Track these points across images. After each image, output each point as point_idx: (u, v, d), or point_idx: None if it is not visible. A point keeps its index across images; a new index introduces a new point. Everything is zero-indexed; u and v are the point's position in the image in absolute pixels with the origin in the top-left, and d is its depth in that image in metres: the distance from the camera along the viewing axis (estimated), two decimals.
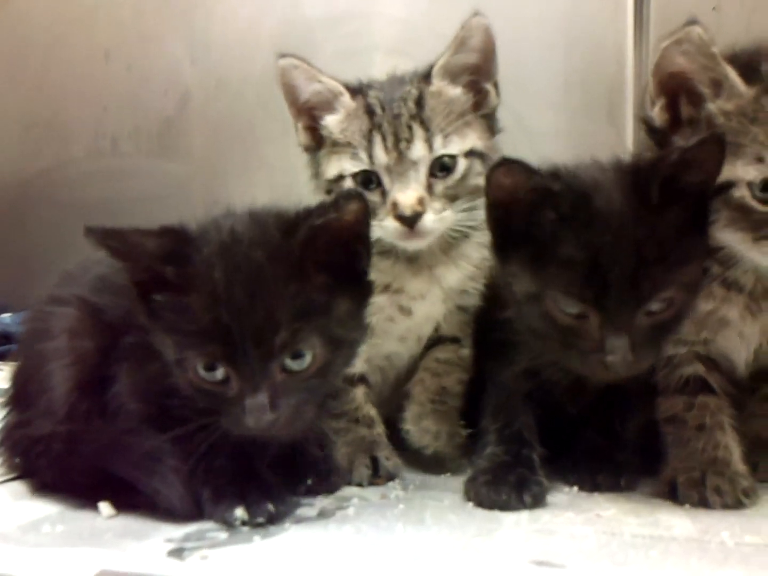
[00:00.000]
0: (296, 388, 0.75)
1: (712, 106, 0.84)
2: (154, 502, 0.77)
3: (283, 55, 1.00)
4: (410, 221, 0.92)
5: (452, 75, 0.99)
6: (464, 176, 0.96)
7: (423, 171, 0.94)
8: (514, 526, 0.77)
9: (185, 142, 2.46)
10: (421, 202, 0.93)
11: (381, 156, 0.94)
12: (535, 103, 1.62)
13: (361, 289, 0.82)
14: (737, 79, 0.83)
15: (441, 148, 0.95)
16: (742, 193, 0.81)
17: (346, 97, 1.00)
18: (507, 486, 0.83)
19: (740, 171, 0.80)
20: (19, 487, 0.86)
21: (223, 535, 0.73)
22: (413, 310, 1.00)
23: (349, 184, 0.98)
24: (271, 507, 0.76)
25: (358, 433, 0.96)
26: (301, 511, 0.81)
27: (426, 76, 0.99)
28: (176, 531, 0.73)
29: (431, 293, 1.00)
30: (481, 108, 1.00)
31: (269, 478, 0.81)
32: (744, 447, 0.88)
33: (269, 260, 0.74)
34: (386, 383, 1.05)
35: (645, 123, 0.90)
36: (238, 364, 0.73)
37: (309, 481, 0.87)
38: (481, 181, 0.93)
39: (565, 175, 0.83)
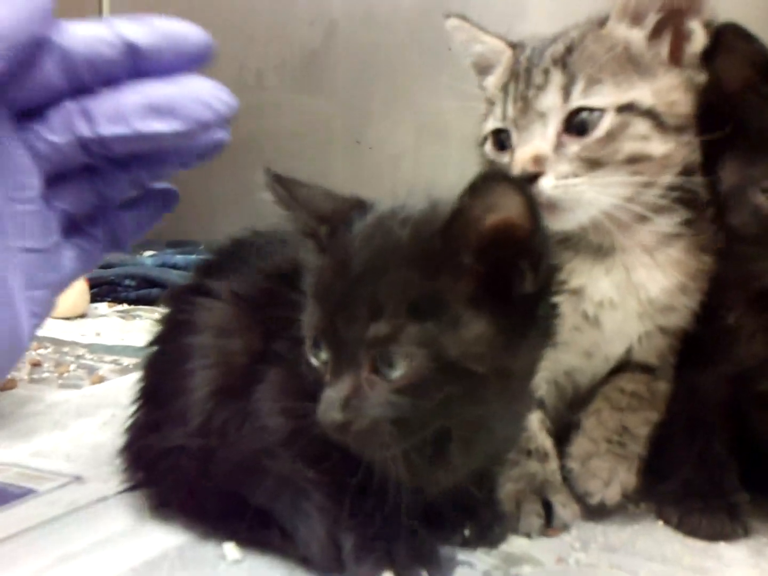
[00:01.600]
0: (381, 399, 0.58)
1: None
2: (287, 543, 0.65)
3: (447, 16, 0.86)
4: None
5: (636, 15, 0.74)
6: (611, 137, 0.71)
7: (553, 124, 0.72)
8: None
9: (330, 77, 2.33)
10: (537, 160, 0.71)
11: (510, 109, 0.75)
12: None
13: (517, 318, 0.60)
14: None
15: (580, 97, 0.72)
16: None
17: (507, 54, 0.81)
18: (723, 513, 0.75)
19: None
20: (137, 501, 0.75)
21: None
22: (601, 320, 0.79)
23: (489, 147, 0.80)
24: (424, 574, 0.62)
25: (527, 469, 0.78)
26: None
27: (603, 21, 0.76)
28: None
29: (625, 303, 0.78)
30: (678, 56, 0.75)
31: (423, 533, 0.66)
32: None
33: (401, 244, 0.59)
34: (558, 406, 0.86)
35: None
36: (334, 343, 0.60)
37: (466, 532, 0.71)
38: (645, 147, 0.72)
39: None
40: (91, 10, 2.55)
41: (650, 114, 0.73)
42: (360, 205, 0.66)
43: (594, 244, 0.78)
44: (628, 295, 0.78)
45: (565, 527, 0.76)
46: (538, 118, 0.73)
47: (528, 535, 0.74)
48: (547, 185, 0.71)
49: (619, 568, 0.69)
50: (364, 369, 0.58)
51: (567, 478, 0.78)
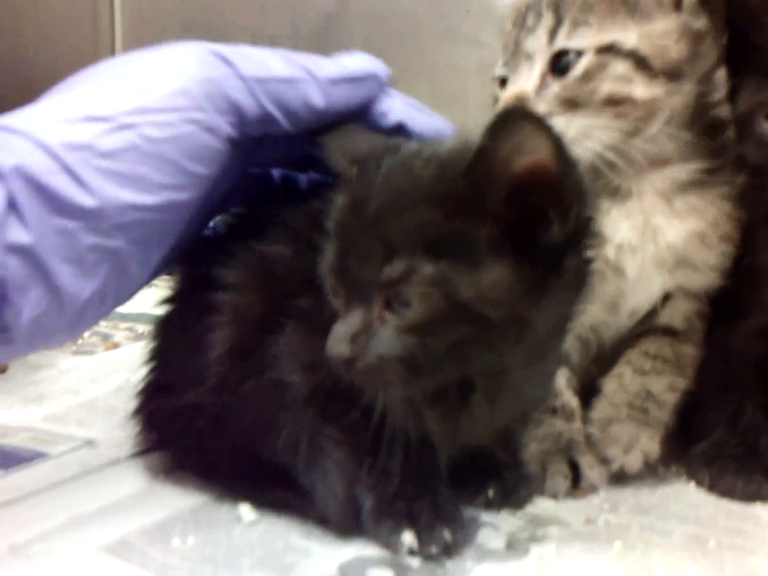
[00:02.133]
0: (390, 337, 0.56)
1: None
2: (304, 503, 0.63)
3: None
4: None
5: None
6: (588, 76, 0.69)
7: (538, 65, 0.70)
8: None
9: (344, 43, 2.26)
10: (518, 100, 0.69)
11: (506, 53, 0.74)
12: None
13: (541, 267, 0.57)
14: None
15: (564, 39, 0.69)
16: None
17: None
18: (759, 474, 0.72)
19: None
20: (150, 464, 0.73)
21: (387, 574, 0.56)
22: (622, 266, 0.75)
23: (497, 92, 0.77)
24: (447, 534, 0.59)
25: (553, 428, 0.75)
26: (483, 538, 0.63)
27: None
28: (328, 563, 0.57)
29: (645, 248, 0.74)
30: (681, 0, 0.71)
31: (445, 492, 0.63)
32: None
33: (422, 183, 0.57)
34: (583, 365, 0.81)
35: None
36: (347, 280, 0.58)
37: (490, 493, 0.69)
38: (624, 89, 0.69)
39: None
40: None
41: (633, 56, 0.70)
42: (396, 148, 0.62)
43: (612, 186, 0.74)
44: (647, 239, 0.74)
45: (593, 489, 0.73)
46: (526, 60, 0.71)
47: (554, 497, 0.72)
48: None
49: (651, 529, 0.65)
50: (376, 306, 0.56)
51: (588, 443, 0.75)
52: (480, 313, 0.55)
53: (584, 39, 0.70)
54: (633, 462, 0.73)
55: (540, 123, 0.53)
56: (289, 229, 0.71)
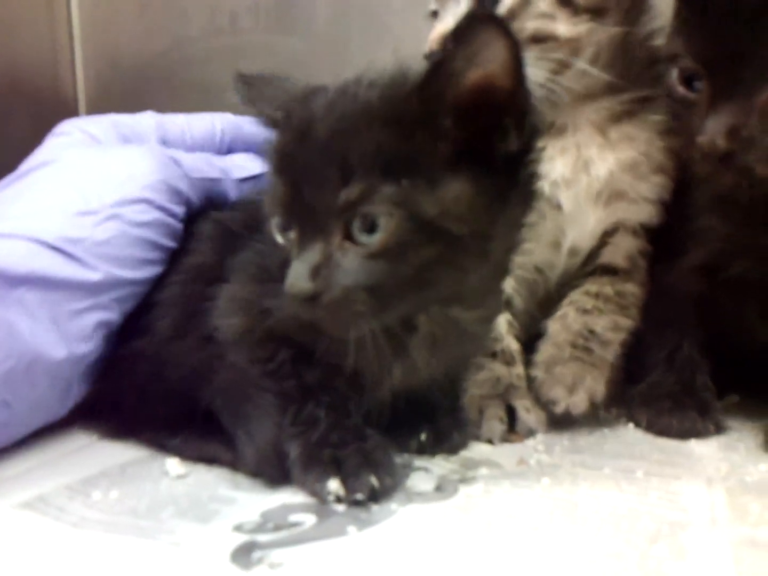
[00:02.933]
0: (355, 266, 0.55)
1: None
2: (232, 455, 0.63)
3: None
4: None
5: None
6: (513, 14, 0.68)
7: (464, 3, 0.69)
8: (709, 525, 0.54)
9: (305, 14, 2.24)
10: (444, 39, 0.67)
11: None
12: None
13: (500, 179, 0.57)
14: None
15: None
16: None
17: None
18: (693, 411, 0.73)
19: None
20: (88, 425, 0.73)
21: (309, 519, 0.56)
22: (559, 201, 0.75)
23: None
24: (373, 480, 0.59)
25: (492, 373, 0.76)
26: (413, 482, 0.63)
27: None
28: (251, 510, 0.57)
29: (580, 183, 0.74)
30: None
31: (374, 438, 0.63)
32: None
33: (371, 105, 0.56)
34: (528, 306, 0.81)
35: None
36: (301, 215, 0.57)
37: (423, 437, 0.69)
38: (547, 26, 0.69)
39: None
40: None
41: None
42: (321, 89, 0.62)
43: (546, 122, 0.73)
44: (580, 172, 0.74)
45: (529, 433, 0.73)
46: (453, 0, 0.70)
47: (490, 441, 0.72)
48: None
49: (582, 466, 0.66)
50: (336, 236, 0.55)
51: (532, 387, 0.75)
52: (445, 229, 0.55)
53: None
54: (578, 402, 0.72)
55: (501, 26, 0.53)
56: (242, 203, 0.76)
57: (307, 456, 0.60)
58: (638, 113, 0.75)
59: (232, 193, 0.77)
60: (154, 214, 0.69)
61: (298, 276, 0.55)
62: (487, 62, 0.53)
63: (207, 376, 0.65)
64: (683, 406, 0.74)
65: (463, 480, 0.63)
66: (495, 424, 0.72)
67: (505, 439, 0.72)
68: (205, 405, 0.64)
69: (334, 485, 0.58)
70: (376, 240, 0.54)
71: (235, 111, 0.85)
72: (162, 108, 2.29)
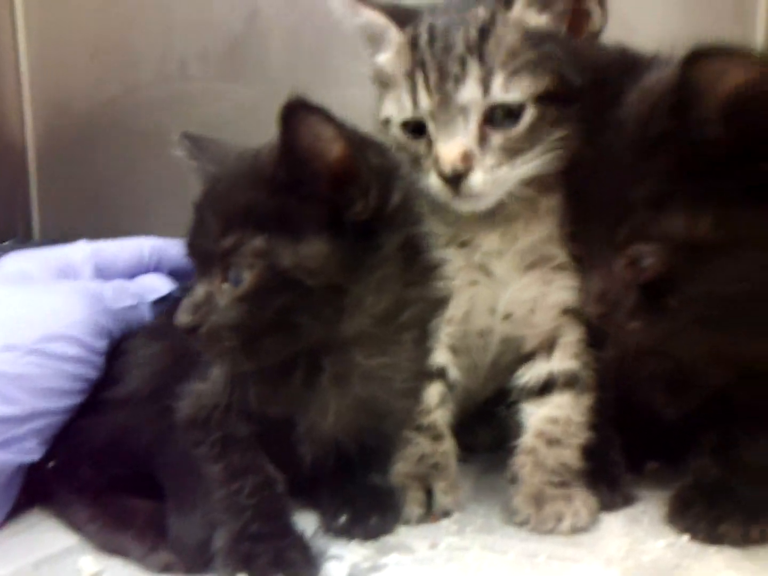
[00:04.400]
0: (227, 307, 0.65)
1: None
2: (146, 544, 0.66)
3: None
4: (453, 180, 0.71)
5: (541, 1, 0.73)
6: (533, 127, 0.71)
7: (474, 118, 0.71)
8: None
9: (255, 63, 2.27)
10: (466, 157, 0.70)
11: (424, 100, 0.73)
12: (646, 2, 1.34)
13: (355, 242, 0.65)
14: None
15: (501, 91, 0.70)
16: None
17: (393, 31, 0.77)
18: (603, 485, 0.76)
19: None
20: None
21: None
22: (490, 269, 0.77)
23: (396, 131, 0.77)
24: None
25: (418, 449, 0.77)
26: (326, 572, 0.65)
27: None
28: None
29: (508, 254, 0.77)
30: (579, 33, 0.75)
31: (292, 532, 0.66)
32: None
33: (248, 168, 0.67)
34: (480, 370, 0.84)
35: None
36: (197, 255, 0.69)
37: (342, 519, 0.71)
38: (560, 131, 0.72)
39: None
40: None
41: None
42: (243, 150, 0.71)
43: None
44: (510, 242, 0.77)
45: (445, 514, 0.75)
46: (459, 113, 0.71)
47: (407, 523, 0.74)
48: (477, 181, 0.71)
49: (491, 549, 0.69)
50: (217, 278, 0.65)
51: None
52: (299, 281, 0.63)
53: (521, 91, 0.71)
54: (566, 527, 0.72)
55: (325, 114, 0.61)
56: None
57: (227, 548, 0.63)
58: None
59: (148, 316, 0.83)
60: (76, 350, 0.73)
61: (183, 309, 0.66)
62: (321, 141, 0.62)
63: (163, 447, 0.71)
64: (594, 480, 0.77)
65: (374, 568, 0.65)
66: (414, 508, 0.74)
67: (422, 521, 0.74)
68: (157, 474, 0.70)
69: None
70: (242, 284, 0.64)
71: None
72: (112, 154, 2.29)
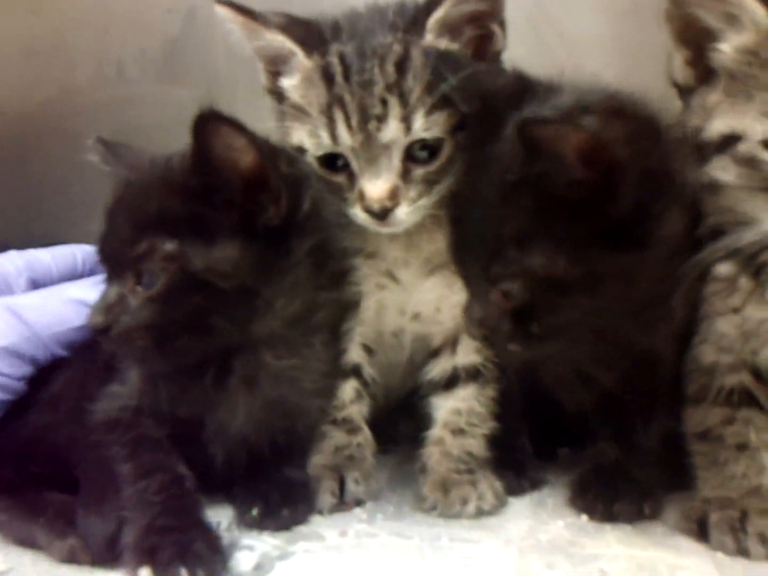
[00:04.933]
0: (139, 307, 0.67)
1: (725, 45, 0.64)
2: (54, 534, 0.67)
3: (217, 2, 0.77)
4: (380, 215, 0.74)
5: (452, 29, 0.75)
6: (450, 159, 0.75)
7: (397, 156, 0.74)
8: None
9: (192, 65, 2.25)
10: (393, 194, 0.73)
11: (345, 137, 0.73)
12: (575, 7, 1.38)
13: (267, 247, 0.68)
14: (759, 8, 0.62)
15: (422, 129, 0.73)
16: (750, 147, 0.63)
17: (300, 57, 0.76)
18: (509, 471, 0.79)
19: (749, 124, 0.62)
20: None
21: None
22: (396, 275, 0.81)
23: (312, 161, 0.77)
24: (184, 573, 0.61)
25: (333, 442, 0.80)
26: (235, 562, 0.67)
27: (415, 22, 0.75)
28: None
29: (413, 262, 0.81)
30: (483, 56, 0.78)
31: (200, 525, 0.67)
32: None
33: (158, 176, 0.69)
34: (396, 367, 0.87)
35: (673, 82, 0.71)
36: (109, 259, 0.70)
37: (254, 512, 0.73)
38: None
39: None
40: None
41: None
42: (153, 157, 0.73)
43: None
44: (415, 252, 0.80)
45: (358, 502, 0.78)
46: (383, 151, 0.73)
47: (321, 513, 0.76)
48: (402, 213, 0.74)
49: (398, 535, 0.71)
50: (129, 281, 0.67)
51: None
52: (211, 283, 0.66)
53: (439, 126, 0.73)
54: (470, 511, 0.75)
55: (236, 125, 0.64)
56: None
57: (133, 543, 0.64)
58: None
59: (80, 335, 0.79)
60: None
61: (96, 310, 0.68)
62: (234, 150, 0.65)
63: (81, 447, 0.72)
64: (503, 467, 0.80)
65: (282, 556, 0.67)
66: (327, 498, 0.76)
67: (335, 510, 0.76)
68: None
69: (144, 574, 0.61)
70: (155, 287, 0.66)
71: None
72: (47, 158, 2.25)
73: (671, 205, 0.65)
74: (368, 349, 0.84)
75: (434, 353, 0.84)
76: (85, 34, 2.26)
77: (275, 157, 0.69)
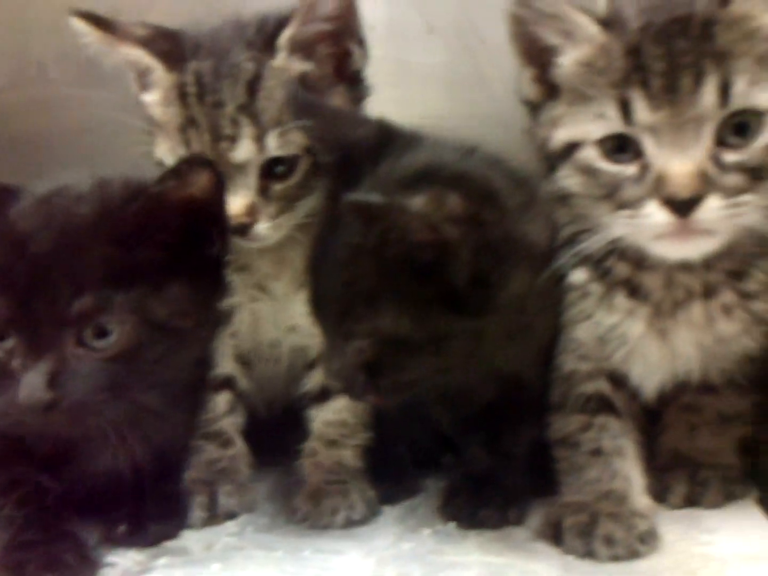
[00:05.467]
0: (94, 370, 0.61)
1: (565, 60, 0.67)
2: None
3: (73, 13, 0.76)
4: (239, 230, 0.74)
5: (305, 47, 0.76)
6: (307, 174, 0.76)
7: (253, 174, 0.75)
8: None
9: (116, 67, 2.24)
10: (250, 211, 0.74)
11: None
12: (497, 14, 1.41)
13: (209, 277, 0.69)
14: (591, 24, 0.65)
15: (276, 148, 0.74)
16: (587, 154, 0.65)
17: (161, 72, 0.77)
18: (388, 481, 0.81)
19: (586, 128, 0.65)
20: None
21: None
22: (270, 288, 0.83)
23: None
24: None
25: (206, 456, 0.81)
26: None
27: (269, 41, 0.76)
28: None
29: (283, 276, 0.82)
30: (343, 74, 0.79)
31: (68, 535, 0.67)
32: (649, 477, 0.74)
33: (91, 220, 0.64)
34: (278, 379, 0.88)
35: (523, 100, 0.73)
36: (26, 327, 0.61)
37: (121, 528, 0.73)
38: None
39: None
40: None
41: None
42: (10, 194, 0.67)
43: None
44: (286, 265, 0.82)
45: (230, 515, 0.78)
46: (238, 170, 0.74)
47: (193, 527, 0.76)
48: (261, 229, 0.75)
49: (264, 547, 0.72)
50: (68, 345, 0.61)
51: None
52: (172, 326, 0.64)
53: (294, 144, 0.75)
54: (340, 521, 0.76)
55: (211, 167, 0.65)
56: None
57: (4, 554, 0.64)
58: None
59: None
60: None
61: (34, 387, 0.60)
62: (194, 186, 0.65)
63: None
64: (378, 476, 0.81)
65: (144, 571, 0.68)
66: (198, 512, 0.77)
67: (206, 524, 0.76)
68: None
69: None
70: (111, 344, 0.62)
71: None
72: None
73: (516, 267, 0.66)
74: (244, 361, 0.84)
75: (311, 365, 0.85)
76: (5, 34, 2.22)
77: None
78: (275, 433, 0.90)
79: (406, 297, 0.63)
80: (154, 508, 0.75)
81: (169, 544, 0.73)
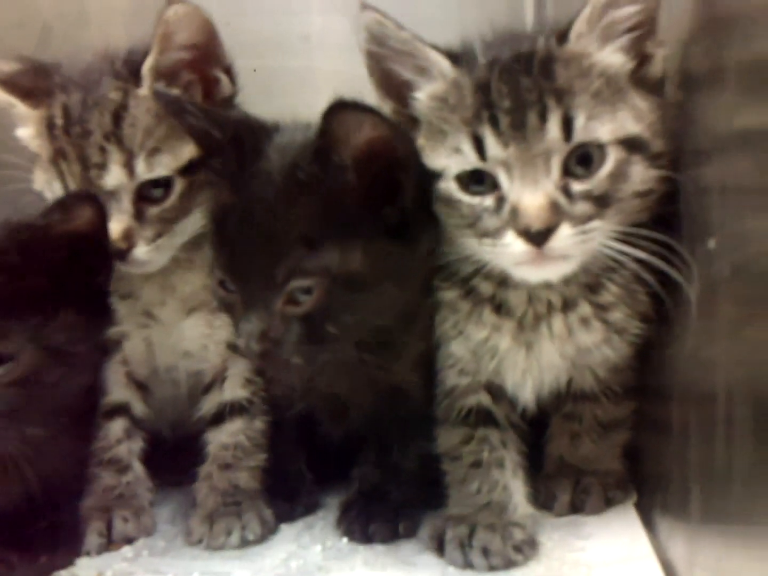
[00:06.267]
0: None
1: (421, 94, 0.70)
2: None
3: None
4: (119, 255, 0.76)
5: (168, 75, 0.78)
6: (183, 195, 0.78)
7: (127, 198, 0.76)
8: None
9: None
10: (127, 235, 0.76)
11: (72, 187, 0.76)
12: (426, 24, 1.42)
13: (96, 305, 0.74)
14: (442, 60, 0.68)
15: (146, 171, 0.76)
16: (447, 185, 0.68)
17: (23, 108, 0.78)
18: (280, 498, 0.83)
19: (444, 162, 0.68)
20: None
21: None
22: (157, 315, 0.84)
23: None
24: None
25: (102, 483, 0.82)
26: None
27: (134, 71, 0.78)
28: None
29: (170, 302, 0.84)
30: (213, 101, 0.81)
31: None
32: (530, 486, 0.77)
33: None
34: (179, 403, 0.89)
35: None
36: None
37: (12, 559, 0.73)
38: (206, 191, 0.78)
39: None
40: None
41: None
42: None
43: None
44: (170, 292, 0.83)
45: (128, 540, 0.80)
46: (110, 196, 0.75)
47: (89, 554, 0.77)
48: (140, 253, 0.77)
49: (154, 572, 0.73)
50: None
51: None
52: (68, 351, 0.69)
53: (164, 165, 0.77)
54: (234, 542, 0.77)
55: (95, 201, 0.70)
56: None
57: None
58: None
59: None
60: None
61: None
62: (80, 220, 0.69)
63: None
64: (275, 495, 0.83)
65: None
66: (93, 538, 0.78)
67: (102, 551, 0.78)
68: None
69: None
70: (8, 371, 0.65)
71: None
72: None
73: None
74: (141, 386, 0.86)
75: (206, 389, 0.86)
76: None
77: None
78: (180, 455, 0.91)
79: (355, 229, 0.66)
80: (46, 538, 0.76)
81: (62, 573, 0.74)
